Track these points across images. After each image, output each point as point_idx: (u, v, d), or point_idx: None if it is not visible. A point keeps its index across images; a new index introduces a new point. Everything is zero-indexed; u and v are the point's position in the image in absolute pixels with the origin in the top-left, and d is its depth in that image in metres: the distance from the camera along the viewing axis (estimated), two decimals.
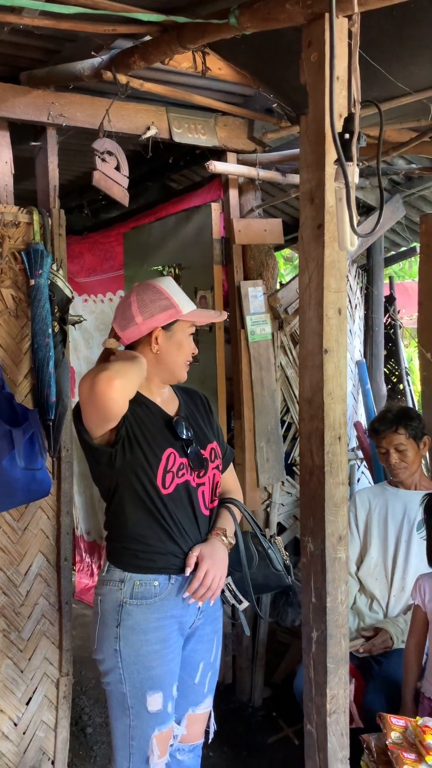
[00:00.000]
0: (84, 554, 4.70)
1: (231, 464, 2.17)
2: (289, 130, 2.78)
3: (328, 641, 1.66)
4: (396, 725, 1.93)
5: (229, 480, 2.14)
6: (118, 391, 1.71)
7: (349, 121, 1.48)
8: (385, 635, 2.53)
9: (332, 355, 1.67)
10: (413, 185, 3.73)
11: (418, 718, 1.92)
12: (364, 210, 3.72)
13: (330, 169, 1.58)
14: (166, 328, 1.90)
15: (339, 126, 1.48)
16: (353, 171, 1.45)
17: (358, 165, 1.52)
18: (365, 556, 2.79)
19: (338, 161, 1.43)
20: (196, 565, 1.86)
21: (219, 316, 2.07)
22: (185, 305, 1.91)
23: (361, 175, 3.13)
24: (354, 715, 2.35)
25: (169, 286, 1.92)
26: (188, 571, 1.85)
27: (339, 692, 1.70)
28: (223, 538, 1.95)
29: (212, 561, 1.86)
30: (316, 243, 1.64)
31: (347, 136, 1.46)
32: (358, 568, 2.79)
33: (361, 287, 4.07)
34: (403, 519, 2.74)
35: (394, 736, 1.89)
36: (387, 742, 1.88)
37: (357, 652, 2.52)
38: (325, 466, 1.67)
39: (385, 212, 3.62)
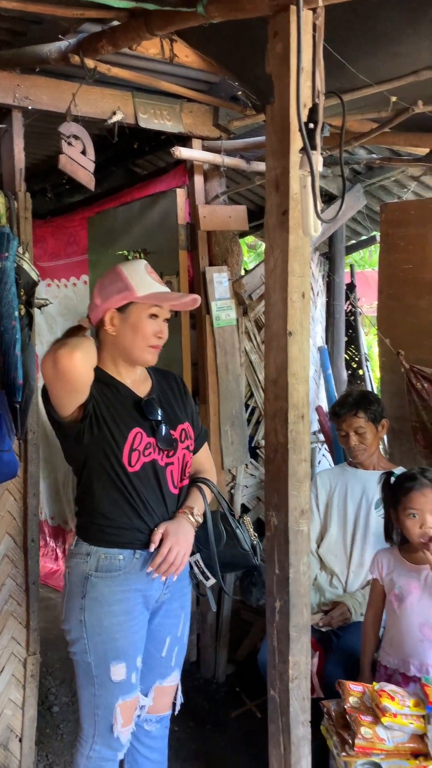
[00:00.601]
0: (48, 539, 4.71)
1: (206, 445, 2.21)
2: (254, 118, 2.82)
3: (290, 610, 1.74)
4: (354, 691, 2.03)
5: (203, 460, 2.19)
6: (80, 360, 1.74)
7: (313, 111, 1.53)
8: (344, 608, 2.64)
9: (296, 337, 1.74)
10: (374, 175, 3.83)
11: (375, 683, 2.01)
12: (327, 198, 3.80)
13: (295, 157, 1.64)
14: (120, 310, 1.92)
15: (304, 116, 1.54)
16: (317, 159, 1.51)
17: (321, 154, 1.58)
18: (326, 534, 2.88)
19: (303, 150, 1.49)
20: (162, 541, 1.92)
21: (192, 303, 1.99)
22: (144, 288, 1.91)
23: (324, 164, 3.20)
24: (315, 686, 2.45)
25: (131, 269, 1.94)
26: (152, 547, 1.90)
27: (301, 659, 1.78)
28: (190, 517, 2.00)
29: (176, 538, 1.92)
30: (281, 229, 1.70)
31: (311, 125, 1.52)
32: (318, 546, 2.88)
33: (323, 275, 4.17)
34: (361, 498, 2.84)
35: (352, 700, 1.99)
36: (345, 707, 1.97)
37: (317, 626, 2.62)
38: (288, 443, 1.74)
39: (346, 201, 3.70)
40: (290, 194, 1.66)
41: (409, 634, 2.17)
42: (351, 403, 2.86)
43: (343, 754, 1.89)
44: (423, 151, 3.06)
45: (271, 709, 1.83)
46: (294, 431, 1.76)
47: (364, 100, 2.35)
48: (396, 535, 2.28)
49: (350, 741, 1.88)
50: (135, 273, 1.94)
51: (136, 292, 1.90)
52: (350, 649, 2.48)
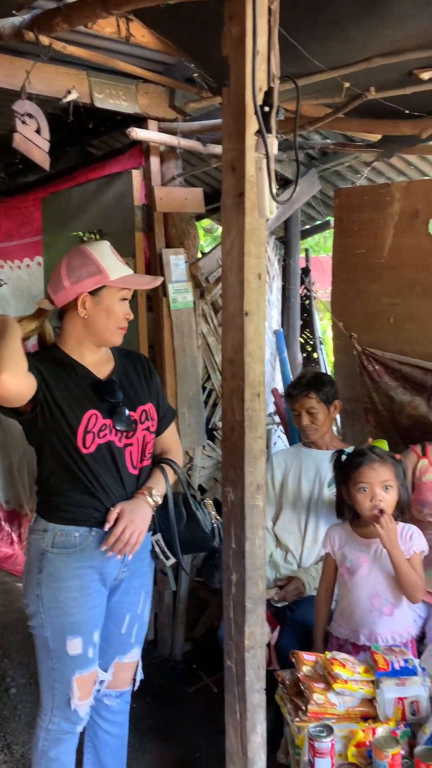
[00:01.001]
0: (3, 523, 4.68)
1: (173, 425, 2.23)
2: (210, 100, 2.83)
3: (246, 582, 1.80)
4: (307, 660, 2.10)
5: (169, 440, 2.21)
6: (7, 379, 1.70)
7: (268, 94, 1.56)
8: (298, 583, 2.72)
9: (252, 317, 1.77)
10: (328, 160, 3.88)
11: (327, 652, 2.09)
12: (282, 183, 3.83)
13: (250, 139, 1.66)
14: (93, 293, 1.93)
15: (259, 99, 1.57)
16: (272, 142, 1.54)
17: (276, 137, 1.62)
18: (281, 512, 2.96)
19: (259, 132, 1.52)
20: (117, 520, 1.94)
21: (152, 282, 2.06)
22: (114, 271, 1.93)
23: (279, 148, 3.23)
24: (272, 659, 2.53)
25: (99, 251, 1.94)
26: (107, 526, 1.93)
27: (256, 629, 1.84)
28: (148, 498, 2.03)
29: (131, 518, 1.95)
30: (237, 211, 1.73)
31: (267, 108, 1.55)
32: (274, 524, 2.95)
33: (279, 259, 4.22)
34: (315, 477, 2.92)
35: (305, 669, 2.06)
36: (299, 675, 2.04)
37: (273, 601, 2.69)
38: (245, 421, 1.78)
39: (301, 185, 3.76)
40: (246, 176, 1.69)
41: (360, 605, 2.26)
42: (304, 384, 2.93)
43: (297, 719, 1.96)
44: (375, 137, 3.12)
45: (228, 678, 1.89)
46: (250, 409, 1.80)
47: (318, 85, 2.38)
48: (347, 511, 2.36)
49: (303, 707, 1.96)
50: (105, 255, 1.94)
51: (109, 276, 1.92)
52: (304, 622, 2.56)
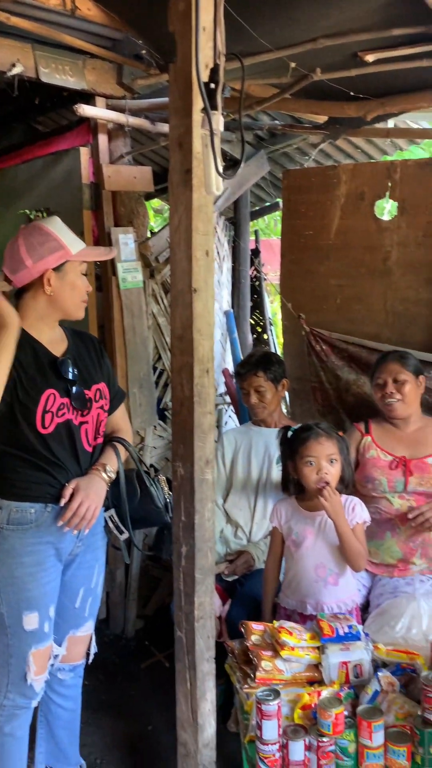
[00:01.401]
0: None
1: (122, 405, 2.25)
2: (158, 77, 2.82)
3: (196, 554, 1.84)
4: (256, 630, 2.16)
5: (119, 421, 2.23)
6: None
7: (214, 71, 1.57)
8: (247, 556, 2.78)
9: (201, 294, 1.80)
10: (277, 142, 3.91)
11: (275, 621, 2.16)
12: (231, 163, 3.84)
13: (197, 116, 1.68)
14: (57, 269, 1.95)
15: (205, 76, 1.58)
16: (218, 119, 1.55)
17: (222, 115, 1.63)
18: (231, 489, 3.01)
19: (204, 109, 1.53)
20: (72, 496, 1.95)
21: (108, 253, 2.13)
22: (74, 245, 1.96)
23: (227, 129, 3.24)
24: (222, 632, 2.59)
25: (56, 226, 1.96)
26: (62, 502, 1.95)
27: (206, 600, 1.88)
28: (103, 474, 2.05)
29: (86, 493, 1.96)
30: (184, 187, 1.74)
31: (213, 85, 1.56)
32: (224, 501, 3.00)
33: (229, 240, 4.24)
34: (264, 454, 2.97)
35: (254, 638, 2.12)
36: (248, 644, 2.10)
37: (223, 575, 2.75)
38: (194, 397, 1.81)
39: (250, 166, 3.78)
40: (193, 153, 1.71)
41: (306, 576, 2.33)
42: (253, 363, 2.98)
43: (246, 687, 2.02)
44: (322, 118, 3.16)
45: (178, 648, 1.93)
46: (199, 385, 1.83)
47: (265, 64, 2.40)
48: (292, 485, 2.42)
49: (252, 675, 2.01)
50: (62, 230, 1.97)
51: (71, 251, 1.94)
52: (253, 594, 2.63)
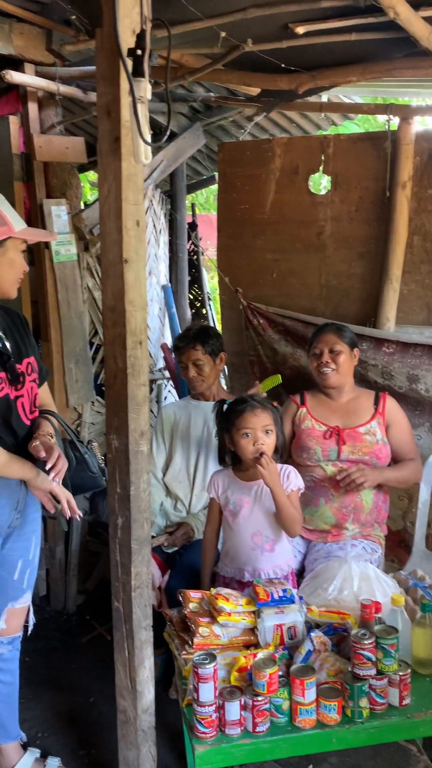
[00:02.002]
0: None
1: (46, 385, 2.25)
2: (88, 43, 2.75)
3: (132, 525, 1.85)
4: (193, 598, 2.20)
5: (44, 396, 2.23)
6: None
7: (140, 37, 1.55)
8: (187, 527, 2.81)
9: (132, 264, 1.78)
10: (212, 115, 3.89)
11: (212, 589, 2.20)
12: (169, 137, 3.80)
13: (125, 84, 1.65)
14: None
15: (131, 42, 1.55)
16: (145, 87, 1.54)
17: (151, 83, 1.61)
18: (171, 463, 3.02)
19: (128, 76, 1.51)
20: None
21: (50, 236, 2.13)
22: (17, 223, 1.95)
23: (161, 100, 3.20)
24: (162, 602, 2.62)
25: (1, 202, 1.93)
26: (42, 454, 1.95)
27: (142, 570, 1.90)
28: (50, 440, 2.04)
29: (58, 450, 1.97)
30: (113, 156, 1.72)
31: (139, 52, 1.54)
32: (164, 474, 3.02)
33: (165, 213, 4.21)
34: (203, 427, 3.00)
35: (192, 606, 2.16)
36: (185, 612, 2.14)
37: (163, 546, 2.78)
38: (127, 369, 1.81)
39: (186, 139, 3.74)
40: (121, 121, 1.68)
41: (243, 544, 2.38)
42: (191, 336, 2.98)
43: (184, 653, 2.06)
44: (256, 91, 3.16)
45: (116, 618, 1.95)
46: (132, 357, 1.82)
47: (195, 33, 2.38)
48: (228, 457, 2.46)
49: (190, 641, 2.06)
50: (6, 207, 1.96)
51: (14, 228, 1.93)
52: (192, 565, 2.66)
